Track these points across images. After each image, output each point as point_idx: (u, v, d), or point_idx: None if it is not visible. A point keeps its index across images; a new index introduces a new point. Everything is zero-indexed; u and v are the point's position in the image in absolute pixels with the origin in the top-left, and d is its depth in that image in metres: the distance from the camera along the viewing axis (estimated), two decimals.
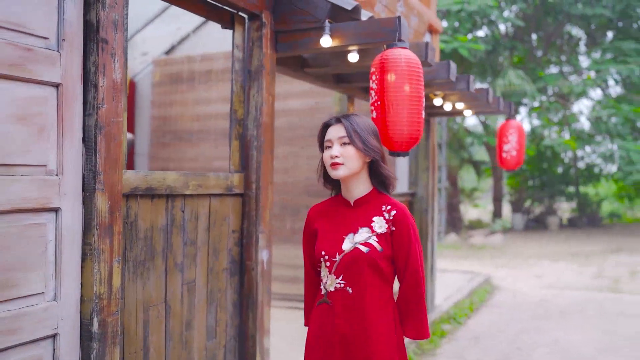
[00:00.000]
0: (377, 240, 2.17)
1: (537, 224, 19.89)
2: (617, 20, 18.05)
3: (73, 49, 2.19)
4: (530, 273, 10.57)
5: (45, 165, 2.11)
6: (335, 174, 2.18)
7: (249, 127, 3.25)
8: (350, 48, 3.40)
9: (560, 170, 21.92)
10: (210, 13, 3.08)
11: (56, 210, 2.14)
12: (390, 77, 2.92)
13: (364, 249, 2.15)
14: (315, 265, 2.32)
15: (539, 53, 19.69)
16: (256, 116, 3.24)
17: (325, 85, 4.46)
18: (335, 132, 2.21)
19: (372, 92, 3.00)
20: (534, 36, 19.46)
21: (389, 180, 2.24)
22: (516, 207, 20.54)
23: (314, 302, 2.33)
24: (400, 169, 6.67)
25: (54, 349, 2.15)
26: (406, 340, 5.75)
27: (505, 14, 17.69)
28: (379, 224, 2.18)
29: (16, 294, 2.01)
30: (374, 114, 3.01)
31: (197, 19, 7.31)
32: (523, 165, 19.07)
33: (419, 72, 2.97)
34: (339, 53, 3.75)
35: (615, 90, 20.63)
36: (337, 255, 2.18)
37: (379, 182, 2.26)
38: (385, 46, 3.05)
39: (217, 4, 3.07)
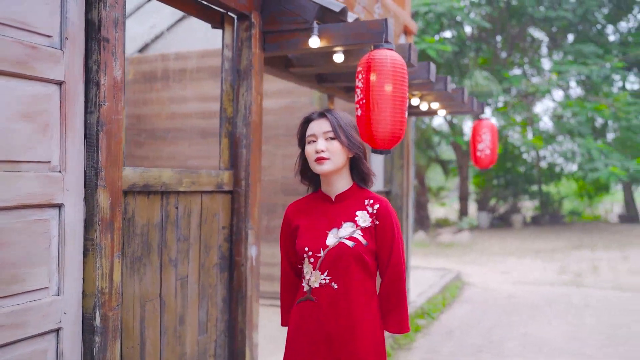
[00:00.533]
0: (361, 234, 2.15)
1: (502, 222, 20.31)
2: (578, 23, 18.57)
3: (75, 47, 2.23)
4: (498, 269, 10.84)
5: (49, 162, 2.14)
6: (320, 168, 2.16)
7: (238, 125, 3.31)
8: (337, 49, 3.48)
9: (523, 169, 22.45)
10: (201, 12, 3.13)
11: (59, 206, 2.18)
12: (376, 77, 3.00)
13: (349, 243, 2.13)
14: (295, 263, 2.29)
15: (503, 55, 20.12)
16: (245, 115, 3.30)
17: (308, 84, 4.54)
18: (319, 126, 2.18)
19: (358, 91, 3.09)
20: (498, 38, 19.89)
21: (369, 177, 2.25)
22: (482, 205, 20.96)
23: (293, 300, 2.30)
24: (375, 166, 6.79)
25: (57, 343, 2.18)
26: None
27: (471, 15, 18.03)
28: (363, 218, 2.17)
29: (23, 289, 2.04)
30: (359, 112, 3.10)
31: (170, 18, 7.30)
32: None
33: (404, 73, 3.07)
34: (324, 53, 3.83)
35: (575, 91, 21.23)
36: (322, 251, 2.14)
37: (360, 178, 2.26)
38: (372, 47, 3.14)
39: (207, 4, 3.12)
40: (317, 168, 2.16)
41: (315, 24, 3.23)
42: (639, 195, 26.75)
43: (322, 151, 2.15)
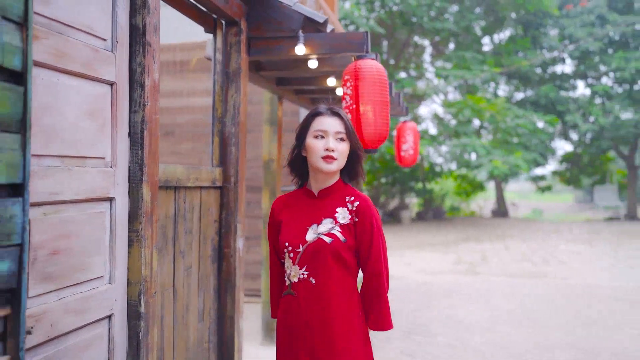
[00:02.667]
0: (340, 230, 2.16)
1: (391, 218, 21.43)
2: (460, 34, 20.05)
3: (123, 50, 2.37)
4: (401, 262, 11.58)
5: (104, 158, 2.27)
6: (328, 167, 2.17)
7: (227, 124, 3.51)
8: (313, 56, 3.78)
9: (408, 168, 23.82)
10: (198, 17, 3.31)
11: (111, 199, 2.31)
12: (364, 85, 3.36)
13: (327, 239, 2.15)
14: (280, 257, 2.32)
15: (392, 60, 21.24)
16: (234, 115, 3.51)
17: (269, 87, 4.78)
18: (332, 125, 2.19)
19: (347, 97, 3.42)
20: (385, 43, 20.97)
21: (362, 177, 2.31)
22: (373, 202, 21.97)
23: (281, 293, 2.35)
24: None
25: (109, 328, 2.32)
26: None
27: (363, 21, 18.90)
28: (342, 215, 2.19)
29: (86, 277, 2.16)
30: (349, 117, 3.43)
31: None
32: (376, 164, 20.49)
33: (386, 81, 3.44)
34: (296, 60, 4.11)
35: (454, 95, 22.87)
36: (301, 246, 2.18)
37: (349, 176, 2.29)
38: (354, 57, 3.48)
39: (204, 9, 3.30)
40: (324, 166, 2.18)
41: (300, 33, 3.51)
42: (507, 193, 29.22)
43: (333, 150, 2.17)
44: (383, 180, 23.00)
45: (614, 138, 21.99)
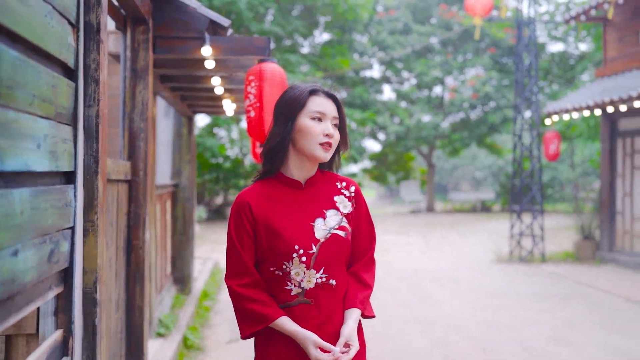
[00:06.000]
0: (347, 221, 1.99)
1: (217, 215, 21.62)
2: (285, 37, 20.86)
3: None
4: None
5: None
6: (325, 155, 1.93)
7: (136, 120, 3.60)
8: (210, 58, 4.01)
9: (228, 165, 24.16)
10: (114, 13, 3.37)
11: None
12: (268, 86, 3.69)
13: (341, 233, 1.95)
14: (276, 265, 1.91)
15: None
16: (142, 110, 3.61)
17: (154, 84, 4.84)
18: (330, 108, 1.96)
19: (251, 96, 3.72)
20: None
21: (337, 162, 2.08)
22: (199, 199, 21.92)
23: (274, 310, 1.91)
24: (162, 160, 7.16)
25: None
26: (186, 316, 6.38)
27: None
28: (343, 204, 2.01)
29: None
30: (252, 114, 3.73)
31: None
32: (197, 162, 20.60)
33: (286, 82, 3.80)
34: (191, 59, 4.28)
35: None
36: (314, 247, 1.90)
37: (328, 164, 2.07)
38: (257, 60, 3.79)
39: (115, 3, 3.37)
40: (321, 154, 1.92)
41: (207, 35, 3.73)
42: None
43: (332, 137, 1.94)
44: (207, 177, 23.06)
45: (417, 138, 24.45)
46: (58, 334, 1.51)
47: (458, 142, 24.42)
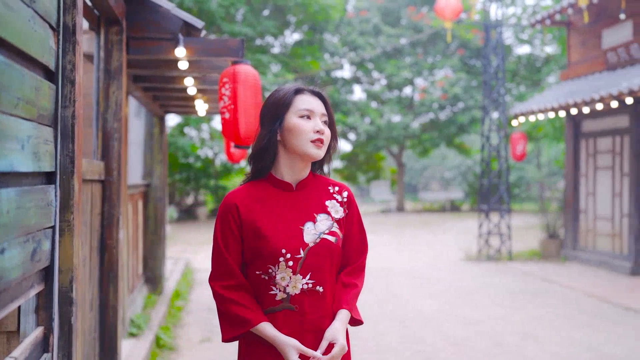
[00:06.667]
0: (338, 226, 1.94)
1: (188, 215, 21.50)
2: (256, 37, 20.86)
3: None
4: (209, 255, 11.84)
5: None
6: (317, 152, 1.89)
7: (109, 120, 3.62)
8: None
9: (199, 164, 24.05)
10: (88, 13, 3.38)
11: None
12: (242, 88, 3.74)
13: (331, 238, 1.90)
14: (262, 268, 1.87)
15: None
16: (116, 111, 3.63)
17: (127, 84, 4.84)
18: (318, 106, 1.93)
19: (225, 98, 3.76)
20: None
21: (327, 163, 2.04)
22: (170, 199, 21.78)
23: (257, 312, 1.87)
24: (133, 160, 7.14)
25: None
26: (159, 314, 6.38)
27: None
28: (335, 209, 1.95)
29: None
30: (227, 115, 3.78)
31: None
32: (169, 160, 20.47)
33: (259, 84, 3.85)
34: (165, 60, 4.30)
35: None
36: (302, 251, 1.85)
37: (319, 165, 2.03)
38: (231, 62, 3.84)
39: (92, 6, 3.39)
40: (313, 151, 1.89)
41: (180, 36, 3.76)
42: None
43: (324, 133, 1.90)
44: (177, 177, 22.91)
45: (387, 138, 24.66)
46: (39, 331, 1.54)
47: (428, 142, 24.72)
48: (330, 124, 1.95)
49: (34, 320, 1.57)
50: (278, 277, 1.85)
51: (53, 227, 1.58)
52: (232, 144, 7.17)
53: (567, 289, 8.18)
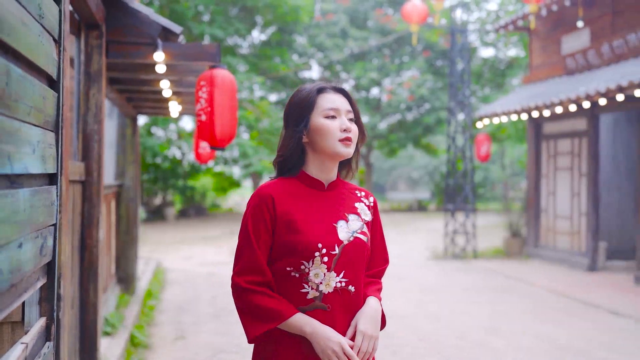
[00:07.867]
0: (367, 229, 1.93)
1: (156, 215, 21.39)
2: (228, 38, 20.90)
3: None
4: (180, 256, 11.94)
5: None
6: (347, 151, 1.86)
7: (89, 122, 3.71)
8: (161, 63, 4.15)
9: (167, 165, 23.96)
10: (69, 19, 3.47)
11: None
12: (219, 91, 3.87)
13: (364, 238, 1.89)
14: (294, 264, 1.80)
15: None
16: (96, 113, 3.72)
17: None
18: (342, 103, 1.89)
19: (202, 101, 3.89)
20: None
21: (355, 169, 2.01)
22: (137, 200, 21.65)
23: (289, 309, 1.78)
24: (107, 161, 7.17)
25: None
26: (130, 318, 6.44)
27: None
28: (364, 212, 1.95)
29: None
30: (203, 117, 3.90)
31: None
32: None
33: (235, 88, 3.99)
34: (146, 65, 4.40)
35: None
36: (337, 247, 1.82)
37: (346, 170, 2.01)
38: (208, 66, 3.96)
39: (73, 11, 3.48)
40: (342, 150, 1.86)
41: (159, 41, 3.87)
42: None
43: (351, 131, 1.87)
44: (145, 177, 22.77)
45: None
46: (42, 321, 1.66)
47: (395, 142, 25.09)
48: (357, 120, 1.93)
49: (37, 311, 1.68)
50: (312, 273, 1.79)
51: (55, 225, 1.70)
52: (208, 145, 7.28)
53: (530, 286, 8.51)
